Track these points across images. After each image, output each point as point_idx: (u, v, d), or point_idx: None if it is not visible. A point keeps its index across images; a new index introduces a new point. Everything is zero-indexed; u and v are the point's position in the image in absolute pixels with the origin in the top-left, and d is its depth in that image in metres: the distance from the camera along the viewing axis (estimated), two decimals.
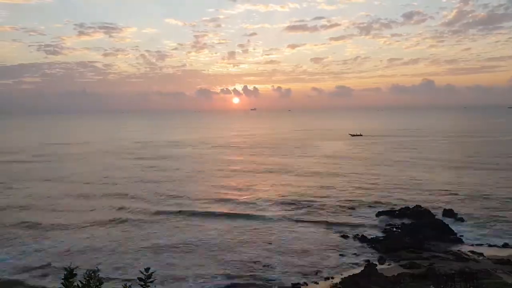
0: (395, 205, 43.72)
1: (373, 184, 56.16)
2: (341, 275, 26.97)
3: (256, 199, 48.18)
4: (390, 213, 40.84)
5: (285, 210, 43.51)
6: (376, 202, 45.58)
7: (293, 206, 44.76)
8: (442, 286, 20.89)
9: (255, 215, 41.71)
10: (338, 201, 46.47)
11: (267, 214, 41.94)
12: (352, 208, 43.68)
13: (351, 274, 26.42)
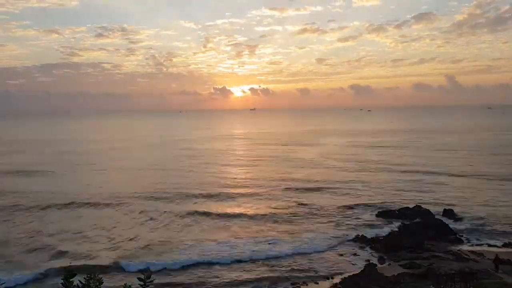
0: (395, 205, 43.69)
1: (373, 184, 56.09)
2: (341, 275, 26.98)
3: (252, 199, 48.20)
4: (390, 213, 40.84)
5: (285, 210, 43.50)
6: (376, 202, 45.55)
7: (292, 206, 44.75)
8: (442, 286, 20.90)
9: (252, 214, 41.77)
10: (338, 201, 46.46)
11: (265, 213, 41.99)
12: (352, 208, 43.65)
13: (351, 274, 26.44)
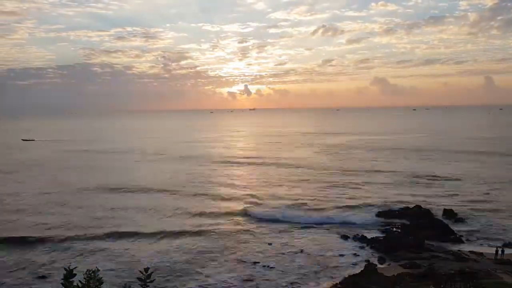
0: (395, 205, 43.65)
1: (373, 184, 56.01)
2: (341, 275, 26.97)
3: (254, 200, 48.17)
4: (390, 213, 40.81)
5: (285, 210, 43.46)
6: (376, 202, 45.48)
7: (293, 207, 44.71)
8: (442, 286, 20.89)
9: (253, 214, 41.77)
10: (338, 201, 46.41)
11: (266, 214, 41.96)
12: (352, 208, 43.62)
13: (351, 274, 26.43)
